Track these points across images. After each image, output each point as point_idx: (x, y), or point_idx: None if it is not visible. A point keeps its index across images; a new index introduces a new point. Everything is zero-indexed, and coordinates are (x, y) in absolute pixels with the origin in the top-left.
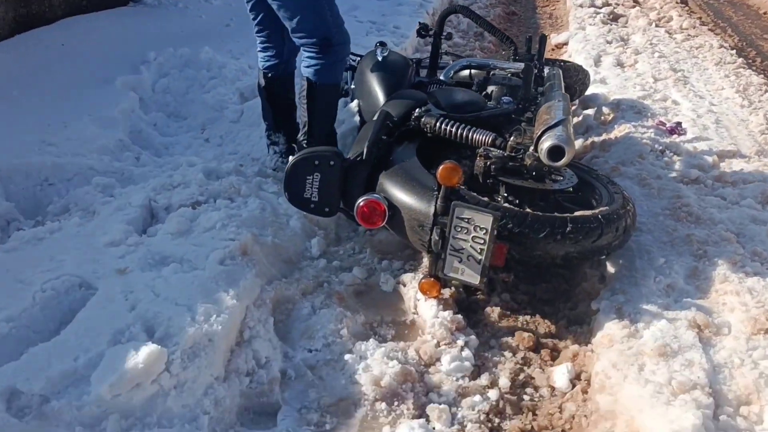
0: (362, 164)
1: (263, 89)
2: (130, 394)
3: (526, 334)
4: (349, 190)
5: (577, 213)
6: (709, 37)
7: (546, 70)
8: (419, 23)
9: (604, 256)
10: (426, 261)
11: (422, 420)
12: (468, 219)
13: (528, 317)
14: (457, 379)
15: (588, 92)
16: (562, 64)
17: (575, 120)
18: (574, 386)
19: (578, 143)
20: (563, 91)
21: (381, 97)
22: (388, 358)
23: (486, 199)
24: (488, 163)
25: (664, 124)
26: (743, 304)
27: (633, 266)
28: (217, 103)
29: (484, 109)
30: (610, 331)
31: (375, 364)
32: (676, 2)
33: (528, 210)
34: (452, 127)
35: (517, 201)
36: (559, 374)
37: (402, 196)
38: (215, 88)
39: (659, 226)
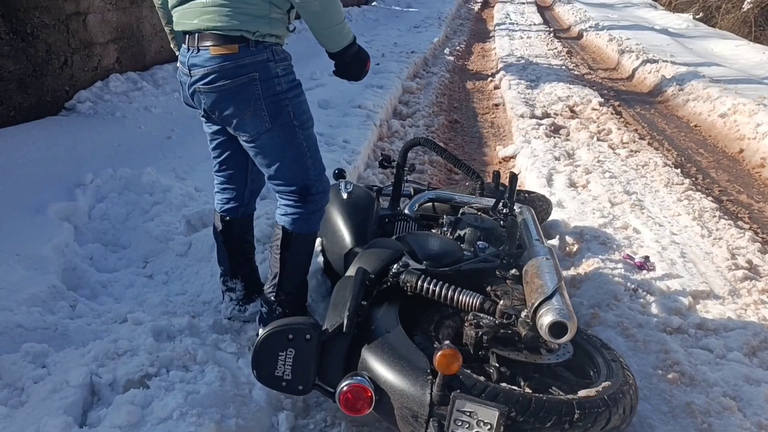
0: (342, 337)
1: (220, 233)
2: None
3: None
4: (327, 366)
5: (582, 394)
6: (651, 153)
7: (517, 209)
8: (381, 154)
9: None
10: None
11: None
12: (470, 413)
13: None
14: None
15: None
16: (526, 195)
17: None
18: None
19: None
20: (542, 236)
21: (348, 238)
22: None
23: (483, 378)
24: (479, 333)
25: (632, 258)
26: None
27: None
28: (162, 233)
29: (462, 260)
30: None
31: None
32: (611, 114)
33: (527, 390)
34: (435, 286)
35: (509, 372)
36: None
37: (391, 377)
38: (159, 215)
39: (655, 391)
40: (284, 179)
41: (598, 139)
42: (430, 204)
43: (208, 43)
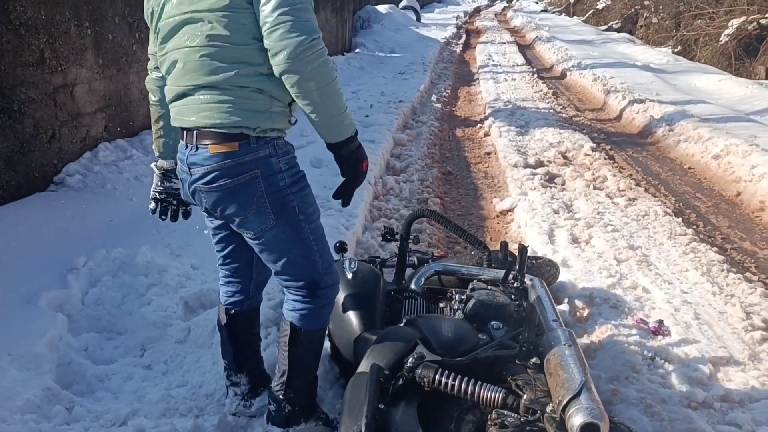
0: None
1: (224, 326)
2: None
3: None
4: None
5: None
6: (649, 201)
7: (528, 282)
8: (384, 227)
9: None
10: None
11: None
12: None
13: None
14: None
15: None
16: (533, 261)
17: None
18: None
19: None
20: (558, 315)
21: (356, 323)
22: None
23: None
24: None
25: (645, 322)
26: None
27: None
28: (159, 319)
29: (478, 346)
30: None
31: None
32: (605, 159)
33: None
34: (453, 380)
35: None
36: None
37: None
38: (156, 299)
39: None
40: (291, 275)
41: (595, 188)
42: (437, 278)
43: (208, 141)
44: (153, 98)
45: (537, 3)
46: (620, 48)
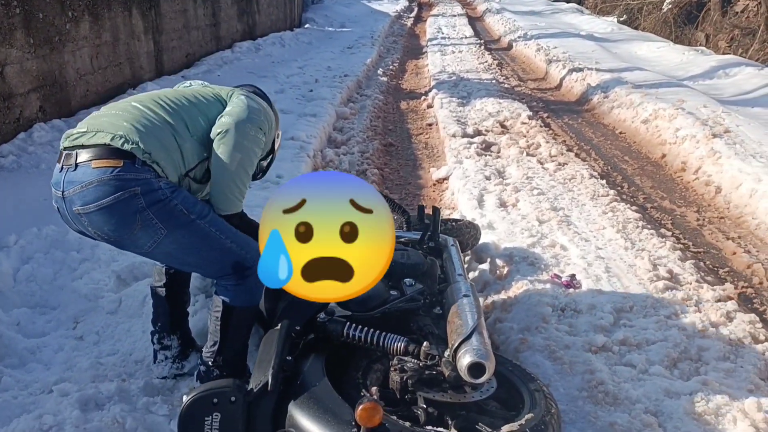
0: (268, 396)
1: (162, 287)
2: None
3: None
4: (254, 427)
5: (505, 430)
6: (578, 165)
7: (443, 241)
8: None
9: None
10: None
11: None
12: None
13: None
14: None
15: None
16: (453, 224)
17: (471, 276)
18: None
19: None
20: (464, 270)
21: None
22: None
23: (409, 424)
24: (404, 377)
25: (559, 277)
26: None
27: None
28: (91, 292)
29: (388, 301)
30: None
31: None
32: (540, 126)
33: (454, 431)
34: (361, 333)
35: (437, 413)
36: None
37: None
38: (88, 273)
39: (581, 414)
40: (214, 270)
41: (528, 154)
42: None
43: (90, 157)
44: None
45: None
46: (568, 18)
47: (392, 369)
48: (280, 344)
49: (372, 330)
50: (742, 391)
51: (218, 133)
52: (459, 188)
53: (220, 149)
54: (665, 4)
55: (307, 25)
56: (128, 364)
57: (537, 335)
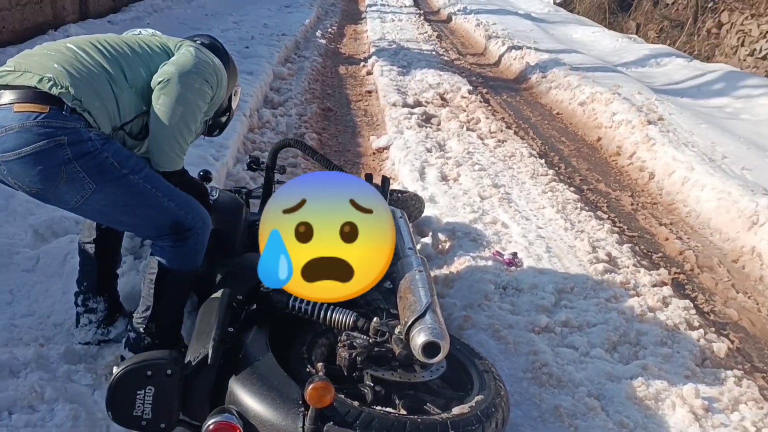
0: (207, 370)
1: (88, 244)
2: None
3: None
4: (191, 402)
5: (455, 412)
6: (517, 143)
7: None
8: (249, 156)
9: None
10: None
11: None
12: None
13: None
14: None
15: None
16: (399, 195)
17: None
18: None
19: None
20: (414, 244)
21: (214, 252)
22: None
23: (357, 404)
24: (353, 354)
25: (501, 254)
26: None
27: None
28: (4, 247)
29: None
30: None
31: None
32: (480, 102)
33: (402, 411)
34: (307, 306)
35: (384, 392)
36: None
37: (260, 411)
38: (1, 226)
39: (526, 395)
40: (150, 229)
41: (468, 129)
42: None
43: (11, 99)
44: None
45: None
46: None
47: (340, 345)
48: (221, 314)
49: (319, 303)
50: (679, 377)
51: (159, 83)
52: (400, 159)
53: (160, 100)
54: None
55: None
56: (46, 327)
57: (480, 313)
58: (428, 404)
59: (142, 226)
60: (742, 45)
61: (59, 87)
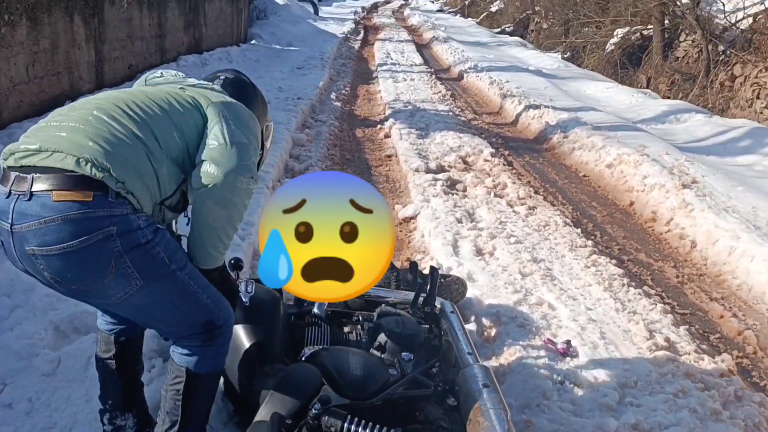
0: None
1: (110, 359)
2: None
3: None
4: None
5: None
6: (549, 210)
7: (438, 305)
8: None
9: None
10: None
11: None
12: None
13: None
14: None
15: None
16: (441, 280)
17: None
18: None
19: None
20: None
21: (254, 358)
22: None
23: None
24: None
25: (553, 343)
26: None
27: None
28: (23, 348)
29: (389, 383)
30: None
31: None
32: (504, 165)
33: None
34: (365, 429)
35: None
36: None
37: None
38: (20, 324)
39: None
40: (183, 328)
41: (495, 195)
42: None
43: (48, 186)
44: None
45: (433, 2)
46: (513, 51)
47: None
48: None
49: (378, 426)
50: None
51: (201, 187)
52: (430, 231)
53: (205, 206)
54: (609, 44)
55: (253, 41)
56: None
57: (541, 415)
58: None
59: (176, 324)
60: (758, 98)
61: (100, 169)
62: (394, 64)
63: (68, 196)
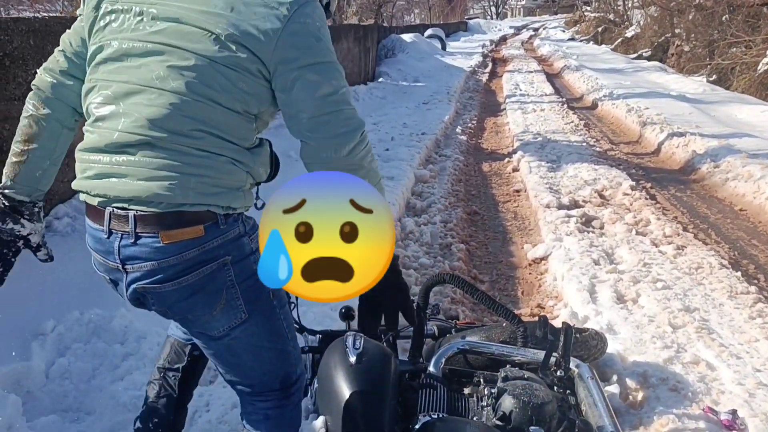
0: None
1: (172, 372)
2: None
3: None
4: None
5: None
6: (701, 250)
7: (573, 367)
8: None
9: None
10: None
11: None
12: None
13: None
14: None
15: None
16: (577, 336)
17: None
18: None
19: None
20: (613, 414)
21: (361, 428)
22: None
23: None
24: None
25: (715, 412)
26: None
27: None
28: (131, 400)
29: None
30: None
31: None
32: (646, 198)
33: None
34: None
35: None
36: None
37: None
38: (130, 374)
39: None
40: (262, 380)
41: (637, 233)
42: (462, 357)
43: (155, 227)
44: (39, 110)
45: (564, 31)
46: (652, 77)
47: None
48: None
49: None
50: None
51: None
52: (563, 274)
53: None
54: (761, 64)
55: (380, 79)
56: None
57: None
58: None
59: (256, 373)
60: None
61: (206, 205)
62: (523, 95)
63: (179, 235)
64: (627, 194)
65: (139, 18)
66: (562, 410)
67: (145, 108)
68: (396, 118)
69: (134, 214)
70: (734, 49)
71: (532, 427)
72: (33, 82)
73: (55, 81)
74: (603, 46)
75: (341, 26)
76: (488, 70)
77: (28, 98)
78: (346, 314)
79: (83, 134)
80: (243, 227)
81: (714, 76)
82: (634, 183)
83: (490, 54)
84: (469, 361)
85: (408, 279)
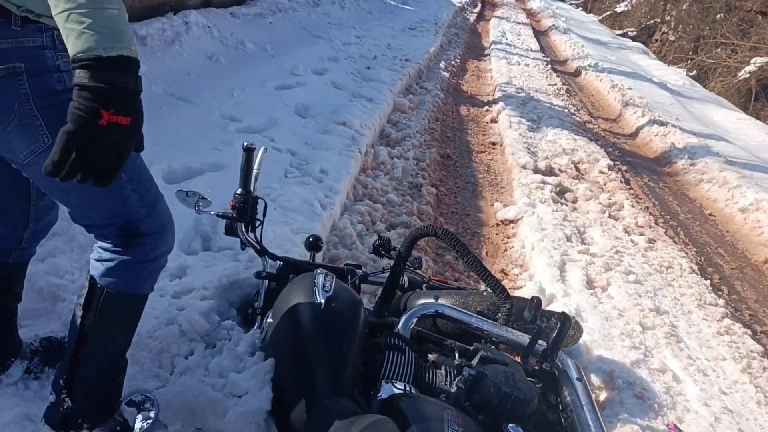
0: None
1: None
2: None
3: None
4: None
5: None
6: (671, 249)
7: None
8: (379, 236)
9: None
10: None
11: None
12: None
13: None
14: None
15: None
16: (554, 319)
17: None
18: None
19: None
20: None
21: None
22: None
23: None
24: None
25: (679, 430)
26: None
27: None
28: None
29: None
30: None
31: None
32: (620, 182)
33: None
34: None
35: None
36: None
37: None
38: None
39: None
40: (93, 215)
41: (611, 216)
42: (434, 321)
43: None
44: None
45: None
46: (635, 58)
47: None
48: None
49: None
50: None
51: None
52: (533, 244)
53: None
54: (743, 71)
55: None
56: None
57: None
58: None
59: (84, 208)
60: None
61: None
62: (509, 45)
63: None
64: (603, 173)
65: None
66: (541, 410)
67: None
68: (380, 37)
69: None
70: (719, 49)
71: (510, 426)
72: None
73: None
74: (591, 14)
75: None
76: (477, 10)
77: None
78: (314, 244)
79: None
80: (51, 41)
81: (694, 72)
82: (611, 163)
83: None
84: (438, 325)
85: (374, 214)
